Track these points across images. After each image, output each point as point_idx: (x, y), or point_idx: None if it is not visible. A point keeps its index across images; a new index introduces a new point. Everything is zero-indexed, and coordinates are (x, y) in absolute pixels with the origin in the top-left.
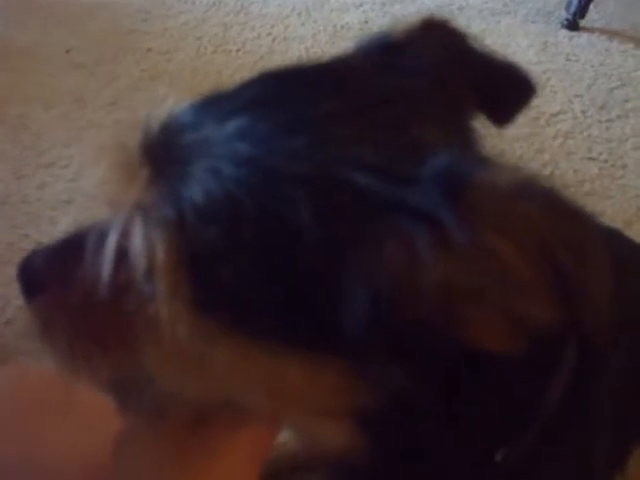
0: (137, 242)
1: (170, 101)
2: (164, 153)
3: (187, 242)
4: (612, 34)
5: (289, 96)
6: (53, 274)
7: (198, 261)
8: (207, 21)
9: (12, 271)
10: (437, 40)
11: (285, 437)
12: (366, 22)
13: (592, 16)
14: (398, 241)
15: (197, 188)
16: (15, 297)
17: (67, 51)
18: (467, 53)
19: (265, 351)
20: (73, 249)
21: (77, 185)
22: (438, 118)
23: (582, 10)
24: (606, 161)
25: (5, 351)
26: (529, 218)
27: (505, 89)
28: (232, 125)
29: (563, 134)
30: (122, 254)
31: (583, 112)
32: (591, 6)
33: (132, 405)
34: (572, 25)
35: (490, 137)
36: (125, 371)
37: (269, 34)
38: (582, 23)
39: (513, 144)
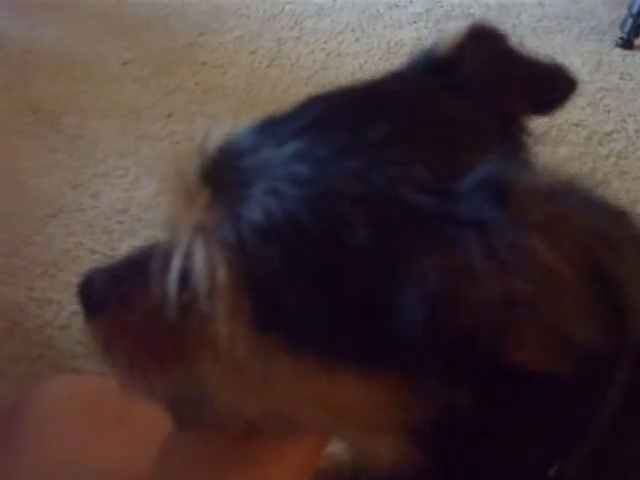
0: (199, 263)
1: (227, 124)
2: (223, 176)
3: (247, 262)
4: None
5: (345, 119)
6: (114, 293)
7: (258, 281)
8: (262, 35)
9: (67, 278)
10: (484, 51)
11: (334, 449)
12: (419, 39)
13: None
14: (450, 254)
15: (257, 209)
16: (69, 302)
17: (124, 63)
18: (512, 58)
19: (322, 368)
20: (134, 269)
21: (131, 195)
22: (490, 136)
23: (637, 29)
24: None
25: (60, 356)
26: (569, 219)
27: (547, 85)
28: (291, 148)
29: (616, 154)
30: (185, 275)
31: (636, 132)
32: None
33: (188, 420)
34: (626, 44)
35: (543, 156)
36: (183, 388)
37: (323, 49)
38: (637, 42)
39: (566, 164)
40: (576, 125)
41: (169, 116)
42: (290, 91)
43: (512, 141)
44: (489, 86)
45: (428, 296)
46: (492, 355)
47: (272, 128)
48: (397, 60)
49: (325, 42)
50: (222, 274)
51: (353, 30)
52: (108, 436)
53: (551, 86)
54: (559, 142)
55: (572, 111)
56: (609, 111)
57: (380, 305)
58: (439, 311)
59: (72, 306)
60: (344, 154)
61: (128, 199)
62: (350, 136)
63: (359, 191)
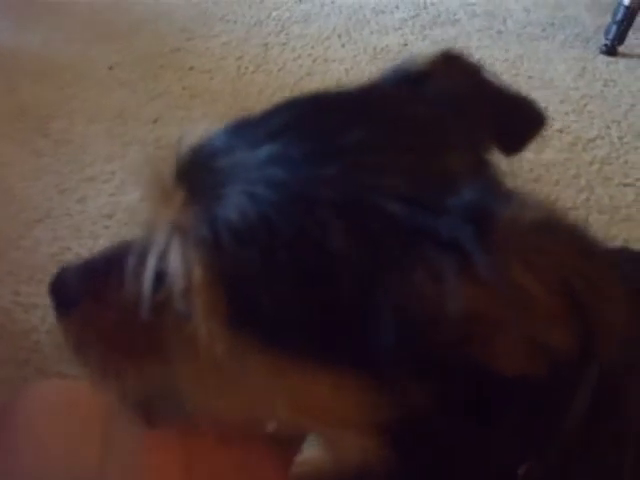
0: (175, 262)
1: (203, 125)
2: (198, 176)
3: (223, 262)
4: None
5: (319, 123)
6: (86, 291)
7: (234, 281)
8: (248, 41)
9: None
10: (457, 72)
11: (310, 452)
12: (405, 45)
13: (631, 42)
14: (427, 268)
15: (233, 210)
16: None
17: (110, 68)
18: (483, 85)
19: (296, 367)
20: (108, 266)
21: (118, 200)
22: (461, 148)
23: (621, 36)
24: None
25: (46, 361)
26: (551, 253)
27: (517, 121)
28: (265, 150)
29: (600, 160)
30: (161, 274)
31: (620, 138)
32: (630, 32)
33: (158, 420)
34: (610, 51)
35: (526, 162)
36: (156, 387)
37: (309, 55)
38: (620, 49)
39: (550, 169)
40: (560, 131)
41: (156, 121)
42: (276, 96)
43: (483, 162)
44: (461, 104)
45: (401, 306)
46: (463, 358)
47: (246, 130)
48: (383, 65)
49: (312, 48)
50: (198, 273)
51: (339, 36)
52: (95, 439)
53: (520, 120)
54: (543, 148)
55: (556, 117)
56: (593, 117)
57: (353, 310)
58: (411, 320)
59: None
60: (319, 158)
61: (114, 204)
62: (325, 140)
63: (335, 198)
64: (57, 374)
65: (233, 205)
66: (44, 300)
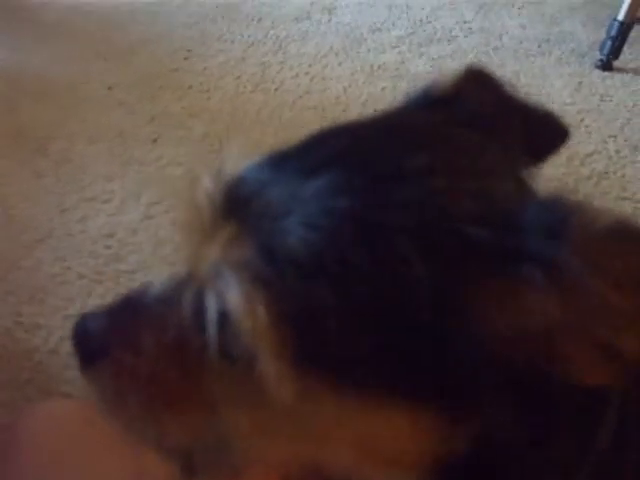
0: (236, 302)
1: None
2: (247, 209)
3: (288, 298)
4: None
5: (375, 150)
6: (115, 338)
7: (301, 317)
8: (246, 60)
9: (55, 302)
10: (483, 89)
11: None
12: (402, 62)
13: (626, 57)
14: (511, 287)
15: (294, 243)
16: (58, 327)
17: (109, 88)
18: (509, 101)
19: (370, 406)
20: (134, 311)
21: (118, 219)
22: (507, 166)
23: (616, 51)
24: None
25: (49, 381)
26: (627, 258)
27: (542, 134)
28: (320, 181)
29: (597, 174)
30: (222, 316)
31: (617, 152)
32: (625, 47)
33: (199, 468)
34: (606, 66)
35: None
36: (200, 435)
37: (307, 73)
38: (616, 64)
39: (548, 184)
40: None
41: (155, 141)
42: (274, 115)
43: (522, 178)
44: (492, 123)
45: (488, 331)
46: (539, 377)
47: (287, 161)
48: (381, 83)
49: (309, 66)
50: (262, 311)
51: (337, 54)
52: (99, 461)
53: (545, 134)
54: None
55: None
56: (590, 132)
57: (434, 340)
58: (499, 346)
59: (61, 331)
60: (384, 184)
61: (115, 223)
62: (387, 166)
63: (409, 224)
64: (60, 394)
65: (294, 238)
66: (46, 320)
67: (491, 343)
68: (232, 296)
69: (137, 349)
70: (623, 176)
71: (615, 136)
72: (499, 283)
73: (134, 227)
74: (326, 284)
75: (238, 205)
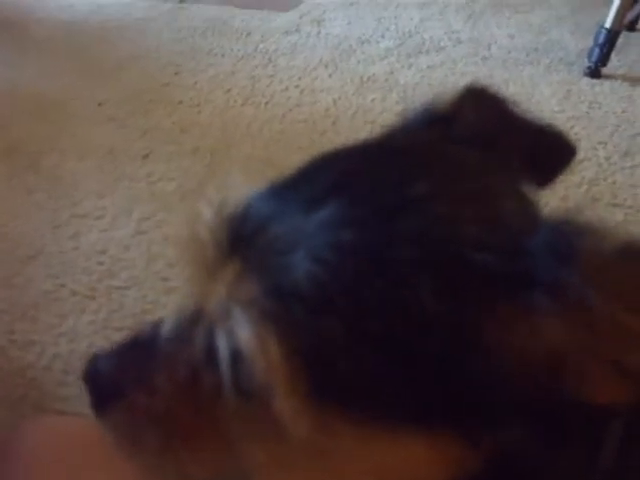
0: (248, 340)
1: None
2: (251, 244)
3: (298, 334)
4: (634, 81)
5: (376, 178)
6: (128, 379)
7: (313, 353)
8: (236, 74)
9: (48, 319)
10: (484, 108)
11: None
12: (392, 73)
13: (614, 64)
14: (523, 313)
15: (301, 279)
16: (51, 344)
17: (99, 104)
18: (512, 119)
19: (388, 435)
20: (144, 350)
21: (110, 235)
22: (507, 185)
23: (604, 58)
24: (631, 207)
25: (43, 398)
26: (635, 278)
27: (547, 152)
28: (324, 213)
29: (587, 181)
30: (235, 354)
31: (607, 159)
32: (613, 54)
33: None
34: (594, 73)
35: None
36: (220, 470)
37: (297, 86)
38: (604, 71)
39: (538, 192)
40: None
41: (146, 156)
42: (264, 128)
43: (525, 198)
44: (494, 142)
45: (501, 355)
46: (551, 396)
47: (289, 192)
48: (370, 95)
49: (299, 79)
50: (274, 349)
51: (326, 66)
52: (94, 478)
53: (552, 153)
54: None
55: None
56: (579, 139)
57: (448, 367)
58: (512, 370)
59: (54, 347)
60: (388, 215)
61: (107, 240)
62: (388, 195)
63: (415, 254)
64: (54, 411)
65: (300, 273)
66: (40, 337)
67: (504, 367)
68: (243, 334)
69: (151, 389)
70: (614, 183)
71: (605, 143)
72: (510, 309)
73: (126, 243)
74: (335, 318)
75: (242, 241)
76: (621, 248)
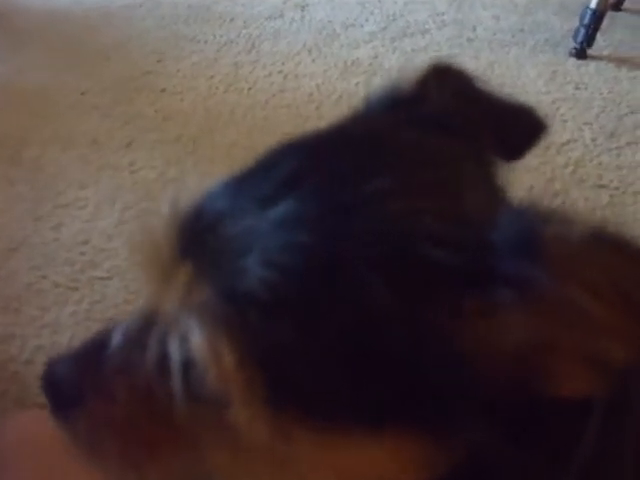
0: (201, 347)
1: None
2: (204, 247)
3: (253, 341)
4: (620, 61)
5: (332, 172)
6: (86, 385)
7: (269, 358)
8: (219, 60)
9: (30, 312)
10: (449, 88)
11: None
12: (376, 57)
13: (600, 44)
14: (483, 309)
15: (255, 283)
16: (33, 337)
17: (82, 93)
18: (479, 97)
19: (347, 438)
20: (104, 355)
21: (93, 225)
22: (473, 172)
23: (589, 39)
24: (617, 188)
25: (25, 391)
26: (605, 266)
27: (516, 129)
28: (278, 211)
29: (573, 162)
30: (186, 361)
31: (593, 140)
32: (598, 34)
33: None
34: (580, 54)
35: (502, 168)
36: (181, 476)
37: (280, 71)
38: (590, 52)
39: (524, 174)
40: None
41: (129, 145)
42: (248, 115)
43: (494, 180)
44: (456, 122)
45: (462, 353)
46: (518, 391)
47: (246, 187)
48: (354, 79)
49: (282, 64)
50: (228, 356)
51: (310, 51)
52: (74, 473)
53: (520, 127)
54: None
55: None
56: (565, 121)
57: (407, 367)
58: (474, 367)
59: (36, 340)
60: (342, 213)
61: (89, 230)
62: (343, 191)
63: (370, 254)
64: (36, 405)
65: (254, 278)
66: (22, 330)
67: (468, 366)
68: (195, 341)
69: (108, 395)
70: (600, 164)
71: (591, 124)
72: (471, 306)
73: (109, 233)
74: (290, 323)
75: (195, 242)
76: (587, 236)
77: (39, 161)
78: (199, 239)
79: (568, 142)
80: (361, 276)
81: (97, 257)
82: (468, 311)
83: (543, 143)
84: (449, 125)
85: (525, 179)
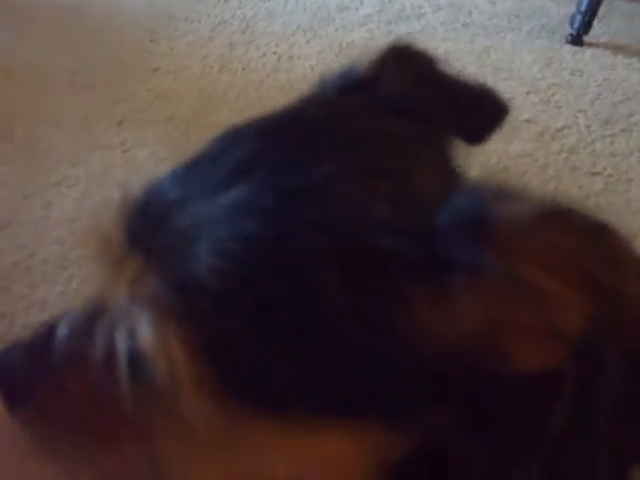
0: (149, 341)
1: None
2: (154, 237)
3: (202, 332)
4: (616, 49)
5: (280, 158)
6: (39, 375)
7: (218, 350)
8: (213, 40)
9: (19, 290)
10: (407, 70)
11: None
12: (371, 40)
13: (596, 31)
14: (433, 294)
15: (204, 273)
16: (22, 315)
17: (74, 72)
18: (438, 79)
19: (300, 427)
20: (57, 345)
21: (83, 204)
22: (430, 155)
23: (586, 25)
24: (611, 175)
25: None
26: (558, 243)
27: (478, 111)
28: (227, 198)
29: (567, 149)
30: (133, 354)
31: (587, 127)
32: (595, 21)
33: None
34: (576, 40)
35: (494, 154)
36: (135, 466)
37: (274, 52)
38: (586, 38)
39: (517, 160)
40: (528, 122)
41: (120, 123)
42: (241, 95)
43: (450, 162)
44: (413, 104)
45: (413, 340)
46: (473, 373)
47: (197, 174)
48: (348, 61)
49: (276, 45)
50: (177, 348)
51: (304, 32)
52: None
53: (481, 111)
54: (511, 139)
55: (523, 108)
56: (560, 107)
57: (359, 354)
58: (427, 352)
59: (24, 318)
60: (292, 200)
61: (80, 208)
62: (293, 178)
63: (318, 242)
64: None
65: (204, 268)
66: (10, 309)
67: (421, 352)
68: (143, 334)
69: (59, 387)
70: (593, 151)
71: (585, 111)
72: (421, 291)
73: (99, 212)
74: (239, 313)
75: (145, 232)
76: (536, 211)
77: (30, 139)
78: (149, 229)
79: (562, 129)
80: (310, 264)
81: (87, 236)
82: (418, 298)
83: (537, 129)
84: (405, 108)
85: (519, 165)
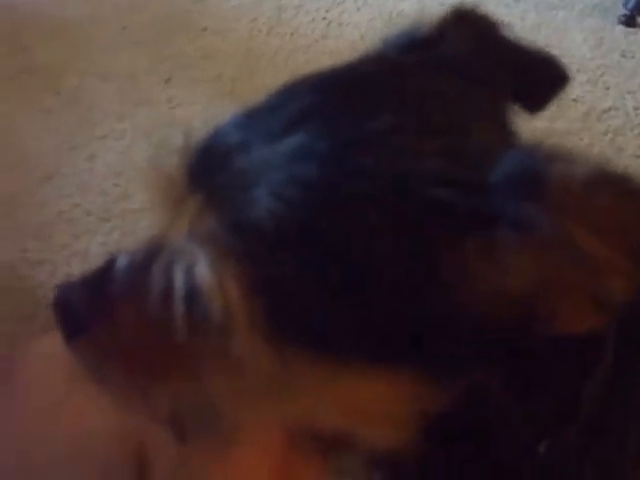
0: (206, 277)
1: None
2: (215, 178)
3: (258, 271)
4: None
5: (341, 108)
6: (96, 309)
7: (273, 290)
8: (262, 3)
9: (61, 239)
10: (469, 32)
11: None
12: (422, 9)
13: None
14: (483, 249)
15: (263, 216)
16: (63, 264)
17: (123, 28)
18: (500, 43)
19: (347, 370)
20: (114, 282)
21: (127, 158)
22: (487, 115)
23: None
24: None
25: (52, 317)
26: (607, 207)
27: (538, 78)
28: (287, 145)
29: (613, 130)
30: (191, 290)
31: (635, 109)
32: None
33: (191, 435)
34: (629, 21)
35: (540, 131)
36: (187, 402)
37: (324, 18)
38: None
39: (563, 138)
40: (575, 101)
41: (167, 81)
42: (289, 59)
43: (507, 125)
44: (477, 67)
45: (462, 292)
46: (517, 331)
47: (257, 121)
48: (398, 30)
49: (326, 11)
50: (233, 286)
51: (355, 0)
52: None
53: (541, 77)
54: (557, 117)
55: (571, 87)
56: (608, 88)
57: (407, 303)
58: (475, 307)
59: (66, 267)
60: (350, 149)
61: (124, 162)
62: (352, 128)
63: (373, 190)
64: None
65: (262, 210)
66: (52, 256)
67: (469, 306)
68: (201, 271)
69: (116, 321)
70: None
71: (634, 93)
72: (471, 242)
73: (143, 166)
74: (294, 256)
75: (206, 174)
76: (590, 174)
77: (77, 92)
78: (210, 171)
79: (609, 109)
80: (363, 213)
81: (130, 189)
82: (468, 248)
83: (583, 109)
84: (465, 69)
85: (564, 143)
